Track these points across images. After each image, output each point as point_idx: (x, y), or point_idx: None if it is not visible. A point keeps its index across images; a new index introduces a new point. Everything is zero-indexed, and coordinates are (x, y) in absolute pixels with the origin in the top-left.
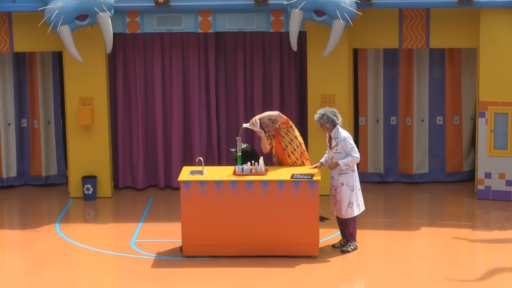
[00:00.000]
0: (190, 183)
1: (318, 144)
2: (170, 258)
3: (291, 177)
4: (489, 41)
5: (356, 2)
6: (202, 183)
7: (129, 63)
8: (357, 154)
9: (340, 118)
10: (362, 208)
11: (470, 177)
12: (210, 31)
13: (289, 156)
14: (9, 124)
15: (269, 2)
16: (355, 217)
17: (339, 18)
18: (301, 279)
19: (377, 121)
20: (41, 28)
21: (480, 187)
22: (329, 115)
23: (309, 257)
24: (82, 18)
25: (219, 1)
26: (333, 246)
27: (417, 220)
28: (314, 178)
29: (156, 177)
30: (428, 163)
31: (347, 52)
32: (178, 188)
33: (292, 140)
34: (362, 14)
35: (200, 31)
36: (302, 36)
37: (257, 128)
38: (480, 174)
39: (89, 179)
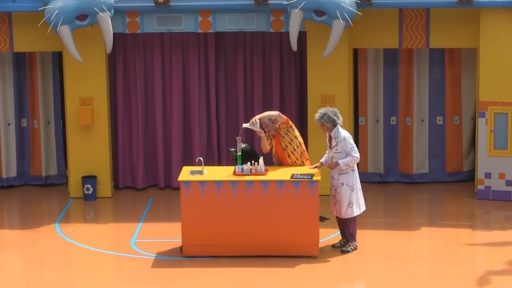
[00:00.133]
0: (190, 183)
1: (318, 144)
2: (170, 258)
3: (291, 177)
4: (489, 41)
5: (356, 2)
6: (202, 183)
7: (129, 63)
8: (357, 154)
9: (340, 118)
10: (363, 208)
11: (470, 177)
12: (210, 31)
13: (289, 156)
14: (9, 124)
15: (269, 2)
16: (355, 217)
17: (339, 18)
18: (301, 279)
19: (377, 121)
20: (41, 28)
21: (480, 187)
22: (330, 115)
23: (309, 257)
24: (82, 18)
25: (219, 1)
26: (333, 246)
27: (417, 220)
28: (314, 178)
29: (156, 177)
30: (428, 163)
31: (347, 52)
32: (178, 188)
33: (292, 140)
34: (362, 14)
35: (200, 31)
36: (302, 36)
37: (257, 128)
38: (480, 174)
39: (89, 179)
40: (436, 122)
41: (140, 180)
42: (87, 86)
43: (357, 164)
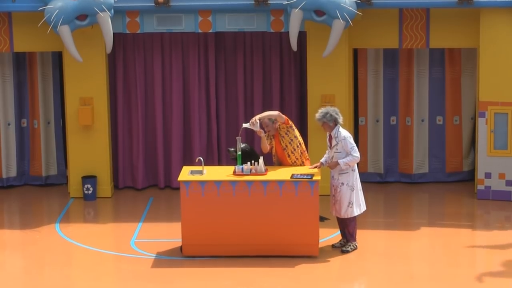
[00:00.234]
0: (190, 183)
1: (318, 144)
2: (170, 258)
3: (291, 177)
4: (489, 41)
5: (356, 2)
6: (202, 183)
7: (129, 63)
8: (357, 154)
9: (341, 117)
10: (363, 208)
11: (470, 177)
12: (210, 31)
13: (289, 156)
14: (9, 124)
15: (269, 2)
16: (355, 217)
17: (339, 18)
18: (301, 279)
19: (377, 121)
20: (41, 28)
21: (480, 187)
22: (332, 114)
23: (309, 257)
24: (82, 18)
25: (219, 1)
26: (333, 246)
27: (417, 220)
28: (314, 178)
29: (156, 177)
30: (428, 163)
31: (347, 52)
32: (178, 188)
33: (292, 140)
34: (362, 14)
35: (200, 31)
36: (302, 36)
37: (257, 128)
38: (480, 174)
39: (89, 179)
40: (436, 122)
41: (140, 180)
42: (87, 86)
43: (357, 164)
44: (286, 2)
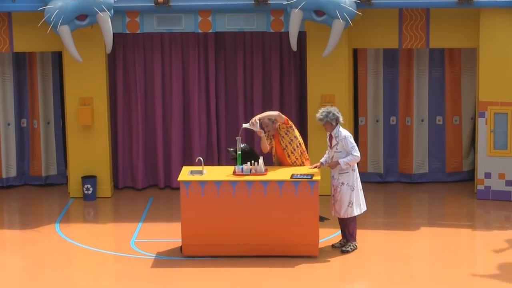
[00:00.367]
0: (190, 183)
1: (318, 144)
2: (170, 258)
3: (291, 177)
4: (489, 41)
5: (356, 2)
6: (202, 183)
7: (129, 63)
8: (357, 153)
9: (342, 117)
10: (364, 208)
11: (470, 177)
12: (210, 31)
13: (288, 156)
14: (9, 124)
15: (269, 2)
16: (355, 217)
17: (339, 18)
18: (301, 279)
19: (377, 121)
20: (41, 28)
21: (480, 187)
22: (334, 113)
23: (309, 257)
24: (82, 18)
25: (219, 1)
26: (333, 246)
27: (417, 220)
28: (314, 178)
29: (156, 177)
30: (428, 163)
31: (347, 52)
32: (178, 188)
33: (292, 140)
34: (362, 14)
35: (200, 31)
36: (302, 36)
37: (257, 128)
38: (480, 174)
39: (89, 179)
40: (436, 122)
41: (140, 180)
42: (87, 86)
43: (357, 164)
44: (286, 2)
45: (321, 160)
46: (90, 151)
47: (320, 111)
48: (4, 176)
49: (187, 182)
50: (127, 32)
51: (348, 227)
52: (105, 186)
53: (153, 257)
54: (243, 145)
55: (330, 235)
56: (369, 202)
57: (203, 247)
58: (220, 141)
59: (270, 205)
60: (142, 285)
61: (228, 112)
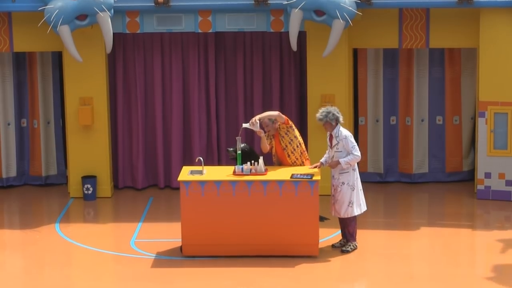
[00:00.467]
0: (190, 183)
1: (318, 144)
2: (170, 258)
3: (291, 177)
4: (489, 41)
5: (356, 2)
6: (202, 183)
7: (129, 63)
8: (358, 153)
9: (342, 116)
10: (364, 208)
11: (470, 177)
12: (210, 31)
13: (288, 156)
14: (9, 124)
15: (269, 2)
16: (355, 216)
17: (339, 18)
18: (301, 279)
19: (377, 121)
20: (41, 28)
21: (480, 187)
22: (334, 113)
23: (309, 257)
24: (82, 18)
25: (219, 1)
26: (333, 246)
27: (417, 220)
28: (314, 178)
29: (156, 177)
30: (428, 163)
31: (347, 52)
32: (178, 188)
33: (292, 140)
34: (362, 14)
35: (200, 31)
36: (302, 36)
37: (256, 128)
38: (480, 174)
39: (89, 179)
40: (436, 122)
41: (140, 180)
42: (87, 86)
43: (357, 164)
44: (286, 2)
45: (321, 160)
46: (90, 151)
47: (320, 111)
48: (4, 176)
49: (187, 182)
50: (127, 32)
51: (348, 227)
52: (105, 186)
53: (153, 257)
54: (243, 145)
55: (330, 235)
56: (369, 202)
57: (203, 247)
58: (220, 141)
59: (270, 205)
60: (142, 285)
61: (228, 112)
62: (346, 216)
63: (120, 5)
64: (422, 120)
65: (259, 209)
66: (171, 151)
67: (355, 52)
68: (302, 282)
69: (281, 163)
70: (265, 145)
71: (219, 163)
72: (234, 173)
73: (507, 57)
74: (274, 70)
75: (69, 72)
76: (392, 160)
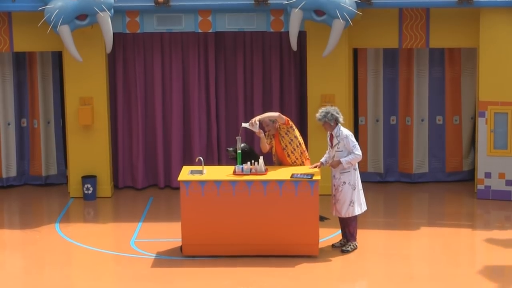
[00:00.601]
0: (190, 182)
1: (318, 144)
2: (170, 258)
3: (291, 177)
4: (489, 41)
5: (356, 2)
6: (202, 182)
7: (129, 63)
8: (359, 152)
9: (342, 116)
10: (364, 207)
11: (470, 176)
12: (210, 31)
13: (288, 155)
14: (9, 124)
15: (269, 2)
16: (356, 216)
17: (339, 18)
18: (301, 279)
19: (377, 120)
20: (41, 28)
21: (480, 186)
22: (333, 113)
23: (309, 257)
24: (82, 18)
25: (219, 1)
26: (333, 245)
27: (417, 220)
28: (314, 177)
29: (156, 177)
30: (428, 162)
31: (347, 52)
32: (178, 188)
33: (292, 140)
34: (362, 14)
35: (200, 31)
36: (302, 36)
37: (256, 129)
38: (480, 174)
39: (89, 178)
40: (436, 122)
41: (140, 180)
42: (87, 86)
43: (358, 164)
44: (286, 2)
45: (321, 160)
46: (90, 151)
47: (320, 111)
48: (4, 176)
49: (187, 182)
50: (127, 32)
51: (348, 226)
52: (105, 186)
53: (153, 257)
54: (243, 144)
55: (330, 235)
56: (369, 202)
57: (203, 247)
58: (220, 141)
59: (270, 205)
60: (142, 285)
61: (228, 112)
62: (347, 216)
63: (120, 5)
64: (422, 120)
65: (259, 209)
66: (171, 151)
67: (355, 52)
68: (302, 282)
69: (281, 163)
70: (265, 145)
71: (219, 163)
72: (234, 173)
73: (507, 57)
74: (274, 70)
75: (69, 72)
76: (392, 160)
